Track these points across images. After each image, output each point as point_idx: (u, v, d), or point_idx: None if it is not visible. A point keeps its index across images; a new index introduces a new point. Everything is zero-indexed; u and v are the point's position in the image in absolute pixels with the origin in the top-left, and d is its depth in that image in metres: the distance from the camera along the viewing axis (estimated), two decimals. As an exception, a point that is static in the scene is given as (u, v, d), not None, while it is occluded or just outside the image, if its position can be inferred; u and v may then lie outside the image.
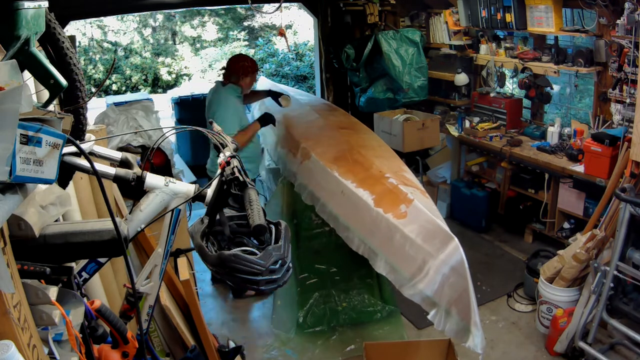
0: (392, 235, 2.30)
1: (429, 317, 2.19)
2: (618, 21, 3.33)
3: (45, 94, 1.46)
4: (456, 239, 2.17)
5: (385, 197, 2.45)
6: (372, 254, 2.42)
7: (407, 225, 2.28)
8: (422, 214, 2.29)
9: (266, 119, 3.34)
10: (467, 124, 4.65)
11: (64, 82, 1.42)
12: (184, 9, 10.51)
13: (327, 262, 3.40)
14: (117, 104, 3.88)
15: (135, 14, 11.85)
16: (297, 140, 3.23)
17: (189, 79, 12.75)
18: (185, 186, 1.56)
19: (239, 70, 3.33)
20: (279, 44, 12.28)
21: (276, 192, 3.51)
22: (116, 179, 1.47)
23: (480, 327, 2.08)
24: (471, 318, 2.07)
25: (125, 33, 12.96)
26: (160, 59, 13.05)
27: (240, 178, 1.36)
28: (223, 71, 3.40)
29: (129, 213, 1.54)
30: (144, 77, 12.56)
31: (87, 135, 1.81)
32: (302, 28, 12.34)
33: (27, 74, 1.40)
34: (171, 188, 1.52)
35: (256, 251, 1.27)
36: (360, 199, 2.47)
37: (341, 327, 3.32)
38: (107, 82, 11.65)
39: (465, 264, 2.11)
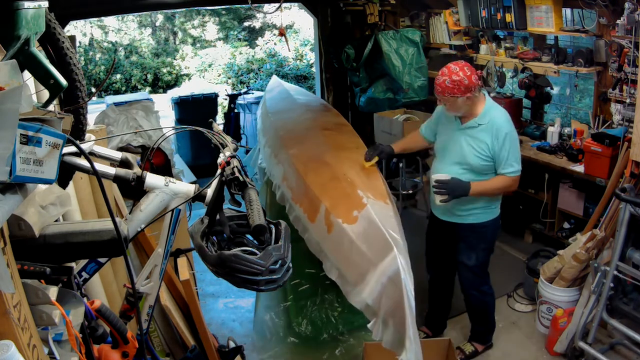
0: (341, 240, 2.24)
1: (368, 325, 2.14)
2: (618, 21, 3.33)
3: (45, 94, 1.46)
4: (396, 249, 2.06)
5: (341, 200, 2.39)
6: (324, 257, 2.37)
7: (355, 231, 2.21)
8: (371, 221, 2.20)
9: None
10: (467, 124, 4.65)
11: (64, 82, 1.42)
12: (184, 9, 10.52)
13: (317, 267, 3.35)
14: (117, 104, 3.87)
15: (136, 13, 11.85)
16: (280, 140, 3.23)
17: (189, 79, 12.75)
18: (185, 186, 1.56)
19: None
20: (279, 44, 12.28)
21: (260, 192, 3.49)
22: (116, 179, 1.47)
23: (416, 341, 1.98)
24: (406, 332, 1.97)
25: (125, 33, 12.96)
26: (160, 58, 13.05)
27: (240, 178, 1.36)
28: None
29: (129, 213, 1.54)
30: (144, 77, 12.57)
31: (87, 135, 1.82)
32: (302, 28, 12.34)
33: (27, 74, 1.40)
34: (171, 188, 1.53)
35: (256, 251, 1.27)
36: (319, 201, 2.44)
37: (338, 332, 3.25)
38: (107, 81, 11.65)
39: (400, 276, 2.00)
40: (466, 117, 2.67)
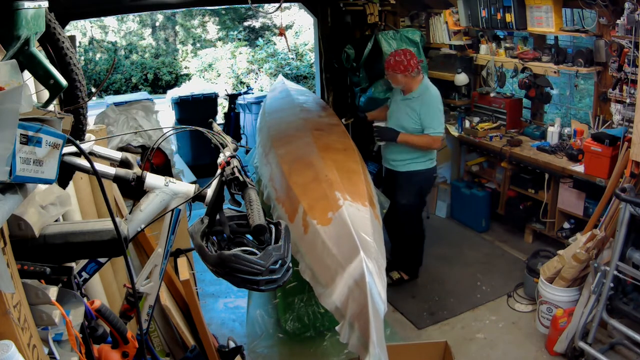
0: (315, 241, 2.24)
1: (336, 328, 2.13)
2: (618, 21, 3.33)
3: (45, 94, 1.46)
4: (362, 253, 2.06)
5: (319, 201, 2.39)
6: (300, 258, 2.37)
7: (328, 233, 2.22)
8: (343, 223, 2.21)
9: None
10: (467, 124, 4.65)
11: (64, 82, 1.42)
12: (184, 9, 10.52)
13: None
14: (117, 104, 3.87)
15: (136, 13, 11.85)
16: (270, 140, 3.23)
17: (189, 79, 12.75)
18: (185, 186, 1.56)
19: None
20: (279, 44, 12.28)
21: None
22: (116, 179, 1.47)
23: (381, 347, 1.96)
24: (370, 336, 1.96)
25: (125, 33, 12.97)
26: (160, 58, 13.05)
27: (240, 178, 1.36)
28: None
29: (129, 213, 1.54)
30: (144, 77, 12.56)
31: (87, 135, 1.82)
32: (302, 28, 12.34)
33: (27, 74, 1.40)
34: (171, 188, 1.53)
35: (256, 251, 1.27)
36: (298, 202, 2.44)
37: (324, 328, 3.27)
38: (107, 81, 11.65)
39: (365, 280, 2.00)
40: (405, 90, 3.55)
